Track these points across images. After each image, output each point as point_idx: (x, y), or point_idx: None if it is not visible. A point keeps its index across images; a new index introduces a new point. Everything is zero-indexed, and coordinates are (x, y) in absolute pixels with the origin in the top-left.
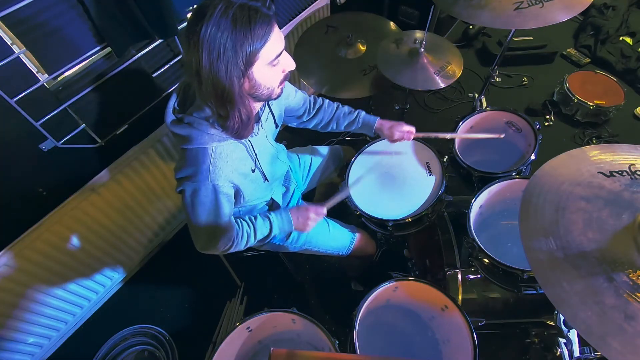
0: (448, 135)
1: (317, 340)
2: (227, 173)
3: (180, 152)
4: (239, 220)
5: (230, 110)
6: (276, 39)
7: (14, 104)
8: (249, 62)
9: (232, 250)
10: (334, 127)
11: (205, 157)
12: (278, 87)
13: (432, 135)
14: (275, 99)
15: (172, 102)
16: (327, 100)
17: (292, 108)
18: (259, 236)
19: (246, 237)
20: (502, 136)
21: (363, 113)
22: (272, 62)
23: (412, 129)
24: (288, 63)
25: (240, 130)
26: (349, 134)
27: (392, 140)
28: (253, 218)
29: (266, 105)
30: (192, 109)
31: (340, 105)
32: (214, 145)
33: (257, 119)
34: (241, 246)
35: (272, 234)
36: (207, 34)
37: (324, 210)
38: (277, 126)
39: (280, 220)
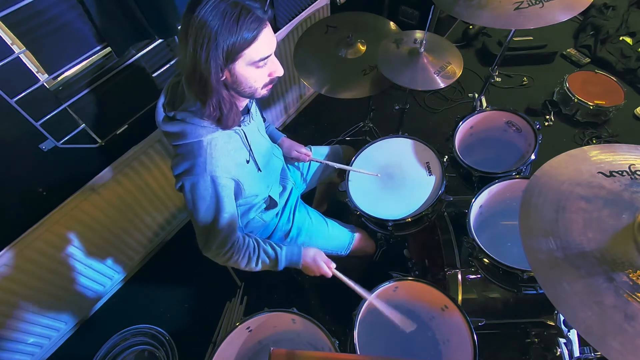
0: (337, 166)
1: (317, 340)
2: (223, 163)
3: (174, 149)
4: (246, 237)
5: (207, 98)
6: (264, 42)
7: (14, 104)
8: (230, 57)
9: (232, 260)
10: None
11: (201, 150)
12: (262, 88)
13: (327, 162)
14: (258, 98)
15: (161, 101)
16: None
17: None
18: (263, 256)
19: (249, 254)
20: (378, 175)
21: (272, 126)
22: (256, 64)
23: (310, 152)
24: (276, 68)
25: (222, 119)
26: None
27: (290, 158)
28: (261, 241)
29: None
30: (183, 105)
31: None
32: (209, 138)
33: (247, 110)
34: (242, 259)
35: (278, 259)
36: (196, 22)
37: (330, 272)
38: (264, 119)
39: (290, 251)
